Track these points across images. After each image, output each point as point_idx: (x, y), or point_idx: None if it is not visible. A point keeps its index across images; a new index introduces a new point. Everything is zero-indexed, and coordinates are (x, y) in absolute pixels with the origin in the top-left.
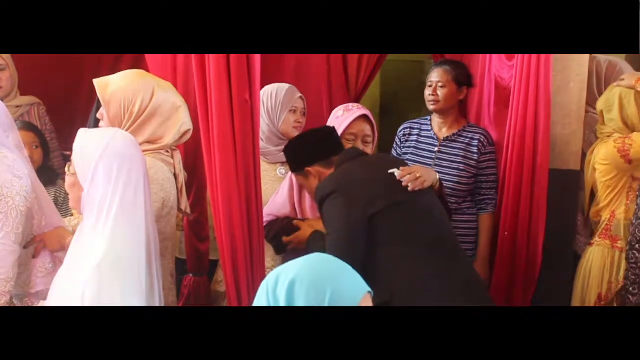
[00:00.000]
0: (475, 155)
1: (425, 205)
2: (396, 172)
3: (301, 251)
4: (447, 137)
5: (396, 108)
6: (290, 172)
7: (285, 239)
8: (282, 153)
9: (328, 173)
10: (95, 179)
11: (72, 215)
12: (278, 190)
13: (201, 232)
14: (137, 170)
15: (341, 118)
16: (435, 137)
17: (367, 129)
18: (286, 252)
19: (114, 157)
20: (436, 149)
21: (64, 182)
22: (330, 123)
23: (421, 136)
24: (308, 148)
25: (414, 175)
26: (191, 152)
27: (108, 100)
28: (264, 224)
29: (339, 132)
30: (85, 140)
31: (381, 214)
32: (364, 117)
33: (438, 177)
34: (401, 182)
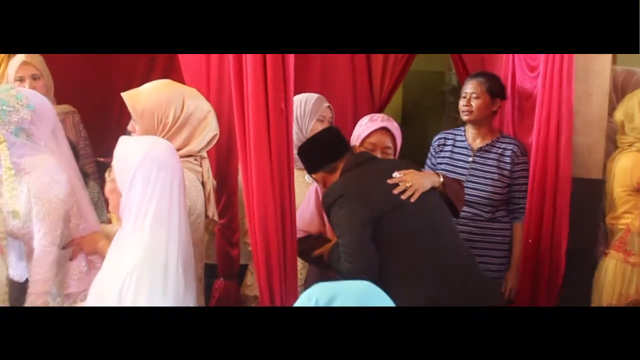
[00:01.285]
0: (509, 166)
1: (426, 207)
2: (396, 174)
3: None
4: (481, 147)
5: (417, 118)
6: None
7: (316, 252)
8: None
9: (333, 178)
10: (133, 186)
11: (109, 220)
12: (305, 202)
13: (232, 237)
14: (174, 177)
15: (363, 127)
16: (469, 147)
17: (387, 141)
18: (319, 265)
19: (152, 164)
20: (470, 159)
21: (96, 185)
22: (355, 131)
23: (456, 147)
24: (310, 156)
25: (404, 185)
26: (223, 158)
27: (140, 113)
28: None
29: (359, 140)
30: (125, 148)
31: (386, 217)
32: (384, 129)
33: (441, 178)
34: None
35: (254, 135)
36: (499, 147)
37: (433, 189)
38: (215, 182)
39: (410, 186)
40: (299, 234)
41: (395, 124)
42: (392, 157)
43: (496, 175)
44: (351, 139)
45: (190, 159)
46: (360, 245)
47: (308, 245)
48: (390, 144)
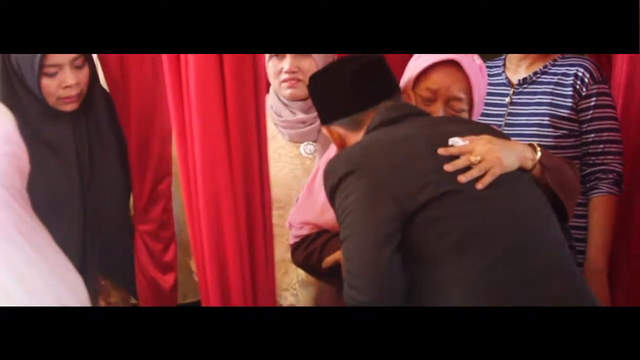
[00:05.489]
0: (569, 101)
1: (506, 201)
2: (457, 140)
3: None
4: (525, 78)
5: None
6: (319, 152)
7: (328, 259)
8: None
9: (354, 139)
10: None
11: None
12: (309, 183)
13: (163, 253)
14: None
15: (420, 59)
16: (507, 82)
17: (457, 87)
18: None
19: None
20: (507, 99)
21: None
22: (408, 66)
23: (489, 85)
24: (326, 95)
25: (466, 159)
26: (143, 114)
27: None
28: (296, 240)
29: (410, 81)
30: None
31: (425, 211)
32: (453, 65)
33: (537, 153)
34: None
35: (194, 76)
36: (555, 74)
37: (522, 170)
38: None
39: (480, 162)
40: (302, 231)
41: (477, 60)
42: (466, 117)
43: (547, 119)
44: (401, 80)
45: None
46: (375, 258)
47: (318, 246)
48: (462, 94)
